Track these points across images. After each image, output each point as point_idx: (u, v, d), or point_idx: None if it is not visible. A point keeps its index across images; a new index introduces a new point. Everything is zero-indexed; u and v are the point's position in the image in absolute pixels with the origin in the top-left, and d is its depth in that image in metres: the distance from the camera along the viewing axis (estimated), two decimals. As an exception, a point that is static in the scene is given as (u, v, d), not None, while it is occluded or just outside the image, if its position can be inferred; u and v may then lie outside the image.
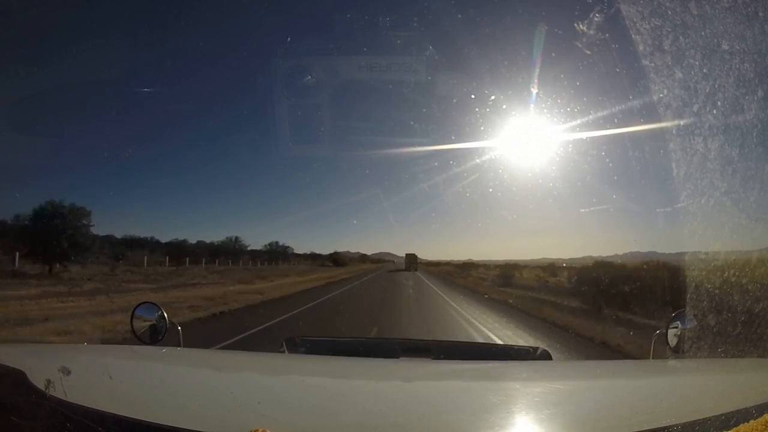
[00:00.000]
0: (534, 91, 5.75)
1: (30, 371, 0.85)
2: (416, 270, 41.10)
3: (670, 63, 2.81)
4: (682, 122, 2.87)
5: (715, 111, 2.71)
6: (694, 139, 2.78)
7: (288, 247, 45.10)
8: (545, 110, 6.32)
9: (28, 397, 0.77)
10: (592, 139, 6.89)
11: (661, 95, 2.97)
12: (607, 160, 7.83)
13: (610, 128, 6.08)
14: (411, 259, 43.95)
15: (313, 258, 49.71)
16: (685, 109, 2.82)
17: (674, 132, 2.92)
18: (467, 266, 42.58)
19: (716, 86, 2.66)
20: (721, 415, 0.74)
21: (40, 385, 0.79)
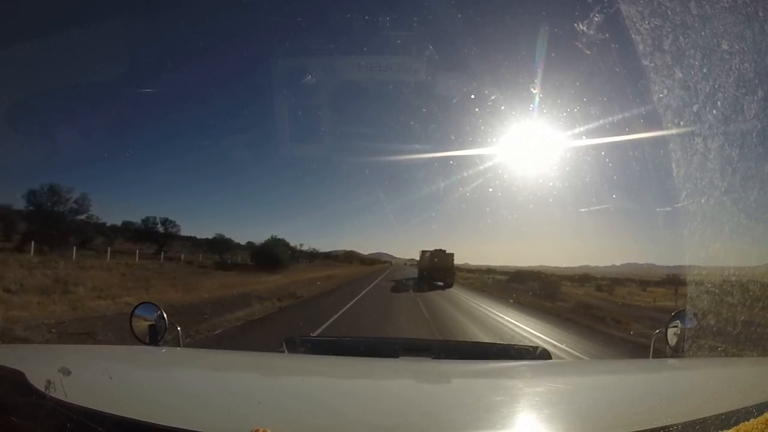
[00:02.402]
0: (534, 91, 5.75)
1: (30, 372, 0.85)
2: (451, 286, 21.24)
3: (670, 63, 2.81)
4: (682, 122, 2.87)
5: (715, 111, 2.71)
6: (693, 139, 2.79)
7: (169, 221, 25.96)
8: (546, 110, 6.32)
9: (29, 398, 0.77)
10: (593, 138, 6.89)
11: (662, 95, 2.97)
12: (607, 160, 7.82)
13: (610, 128, 6.07)
14: (438, 260, 23.04)
15: (209, 246, 28.46)
16: (685, 108, 2.83)
17: (674, 132, 2.93)
18: (522, 278, 24.13)
19: (716, 86, 2.66)
20: (721, 414, 0.74)
21: (40, 385, 0.78)
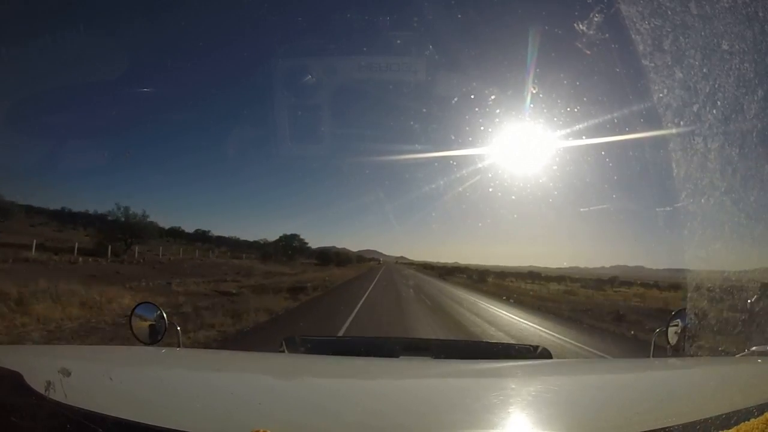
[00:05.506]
0: (534, 90, 5.75)
1: (29, 373, 0.85)
2: None
3: (670, 63, 2.81)
4: (682, 122, 2.87)
5: (715, 111, 2.71)
6: (693, 139, 2.78)
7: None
8: (546, 110, 6.31)
9: (28, 399, 0.77)
10: (591, 139, 6.87)
11: (661, 95, 2.97)
12: (607, 159, 7.81)
13: (609, 128, 6.07)
14: None
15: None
16: (685, 108, 2.83)
17: (674, 131, 2.93)
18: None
19: (716, 86, 2.66)
20: (722, 414, 0.74)
21: (40, 386, 0.78)
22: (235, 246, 31.04)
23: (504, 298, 18.32)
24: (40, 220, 23.28)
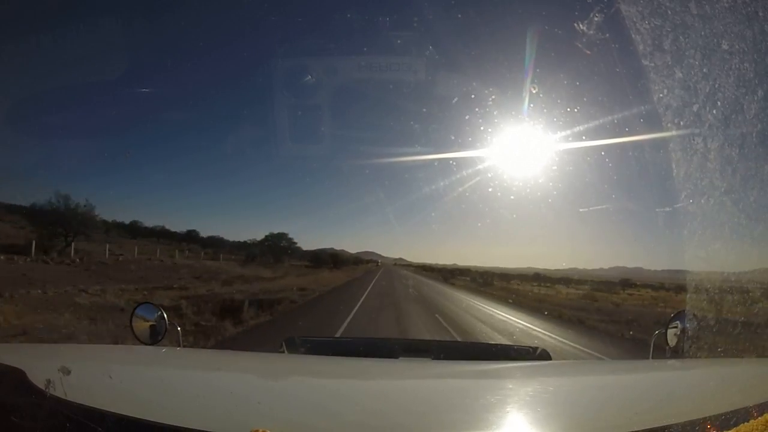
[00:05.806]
0: (534, 91, 5.74)
1: (30, 371, 0.86)
2: None
3: (670, 63, 2.81)
4: (682, 122, 2.87)
5: (715, 111, 2.71)
6: (693, 139, 2.78)
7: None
8: (546, 110, 6.30)
9: (28, 397, 0.77)
10: (591, 139, 6.87)
11: (661, 95, 2.97)
12: (607, 160, 7.80)
13: (609, 128, 6.07)
14: None
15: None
16: (685, 108, 2.83)
17: (674, 132, 2.93)
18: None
19: (716, 86, 2.66)
20: (721, 414, 0.74)
21: (40, 384, 0.78)
22: (222, 246, 28.66)
23: (534, 310, 14.79)
24: (11, 219, 20.93)
